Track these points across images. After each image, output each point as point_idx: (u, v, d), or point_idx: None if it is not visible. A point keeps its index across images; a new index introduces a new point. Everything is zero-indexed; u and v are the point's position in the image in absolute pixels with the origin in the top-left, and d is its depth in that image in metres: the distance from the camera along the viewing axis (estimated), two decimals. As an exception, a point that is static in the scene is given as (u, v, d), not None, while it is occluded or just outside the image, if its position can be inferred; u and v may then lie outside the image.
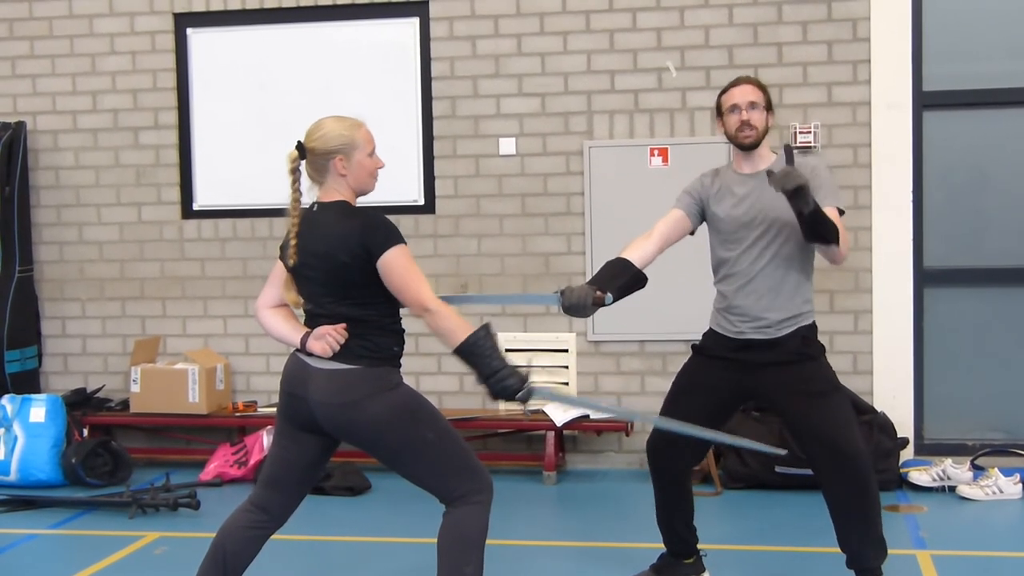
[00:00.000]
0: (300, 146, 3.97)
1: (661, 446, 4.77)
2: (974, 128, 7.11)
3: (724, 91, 4.69)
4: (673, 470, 4.79)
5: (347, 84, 7.41)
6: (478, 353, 3.79)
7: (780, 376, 4.56)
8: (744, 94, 4.60)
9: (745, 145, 4.61)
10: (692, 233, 4.80)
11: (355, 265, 3.84)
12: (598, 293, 4.46)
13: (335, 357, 3.89)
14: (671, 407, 4.77)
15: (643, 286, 4.68)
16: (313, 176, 4.01)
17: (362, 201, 4.14)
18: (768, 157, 4.67)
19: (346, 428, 3.93)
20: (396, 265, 3.84)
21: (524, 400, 3.84)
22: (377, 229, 3.87)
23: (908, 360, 6.97)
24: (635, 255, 4.65)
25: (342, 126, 3.98)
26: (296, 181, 3.96)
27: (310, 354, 3.94)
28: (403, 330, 4.03)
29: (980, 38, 7.04)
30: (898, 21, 6.89)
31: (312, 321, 4.00)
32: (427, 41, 7.38)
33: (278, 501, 4.10)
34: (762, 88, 4.66)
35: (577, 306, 4.43)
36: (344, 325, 3.90)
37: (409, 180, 7.45)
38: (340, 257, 3.85)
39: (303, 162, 3.98)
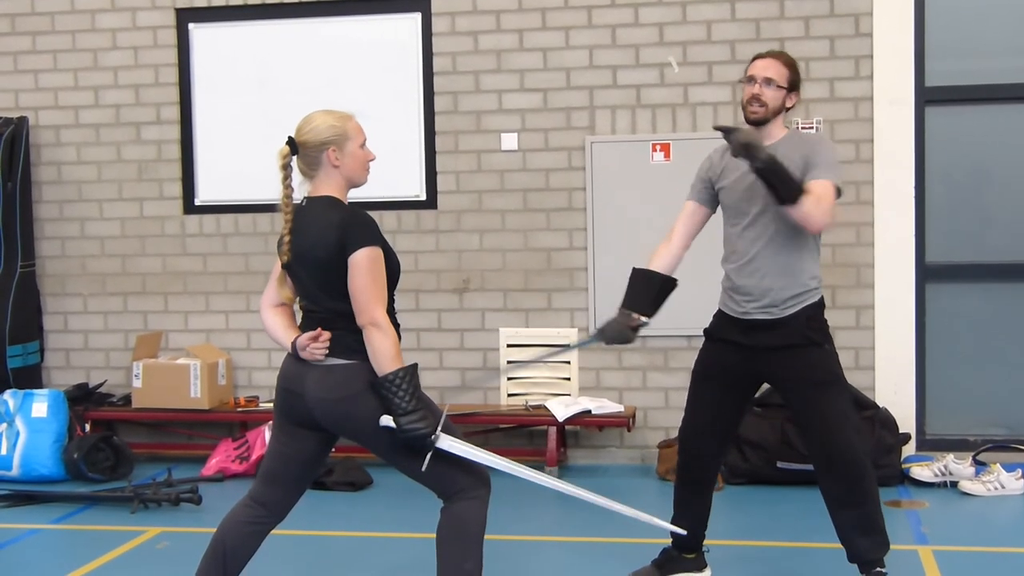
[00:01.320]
0: (291, 141, 3.95)
1: (694, 436, 4.79)
2: (976, 124, 7.11)
3: (752, 60, 4.65)
4: (707, 462, 4.82)
5: (349, 79, 7.41)
6: (399, 388, 3.76)
7: (784, 362, 4.57)
8: (763, 68, 4.56)
9: (751, 120, 4.58)
10: (714, 212, 4.81)
11: (334, 260, 3.83)
12: (633, 318, 4.59)
13: (331, 353, 3.89)
14: (692, 396, 4.81)
15: (675, 287, 4.75)
16: (305, 171, 3.99)
17: (358, 195, 4.12)
18: (778, 132, 4.62)
19: (343, 423, 3.93)
20: (362, 266, 3.81)
21: (429, 448, 3.83)
22: (355, 226, 3.85)
23: (910, 356, 6.97)
24: (659, 263, 4.71)
25: (332, 118, 3.97)
26: (287, 177, 3.94)
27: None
28: (399, 323, 4.02)
29: (982, 34, 7.04)
30: (900, 17, 6.89)
31: (308, 317, 4.00)
32: (429, 36, 7.38)
33: (277, 496, 4.10)
34: (789, 65, 4.59)
35: (618, 339, 4.61)
36: (320, 330, 3.89)
37: (411, 175, 7.45)
38: (320, 252, 3.85)
39: (294, 158, 3.97)
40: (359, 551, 5.55)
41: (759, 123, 4.58)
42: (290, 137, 3.96)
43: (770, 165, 4.28)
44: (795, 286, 4.57)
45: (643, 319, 4.64)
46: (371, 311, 3.79)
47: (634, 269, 4.76)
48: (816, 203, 4.35)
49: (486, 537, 4.00)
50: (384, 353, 3.78)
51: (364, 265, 3.81)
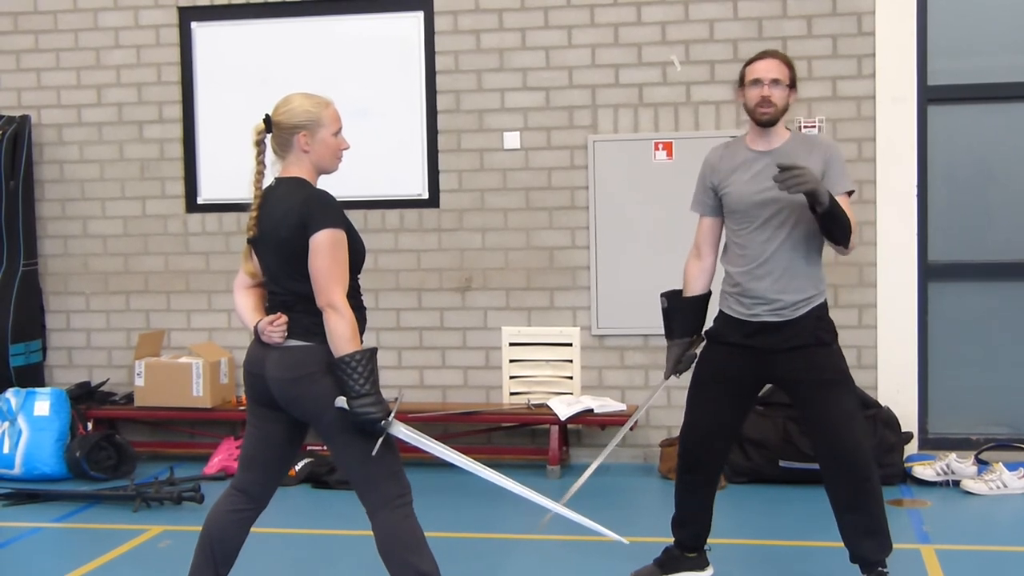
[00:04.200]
0: (267, 119, 3.98)
1: (697, 440, 4.78)
2: (978, 122, 7.11)
3: (750, 62, 4.65)
4: (711, 465, 4.83)
5: (351, 78, 7.41)
6: (355, 370, 3.76)
7: (792, 362, 4.56)
8: (768, 69, 4.56)
9: (762, 121, 4.57)
10: None
11: (296, 240, 3.85)
12: (694, 341, 4.78)
13: (291, 335, 3.92)
14: (694, 399, 4.80)
15: (709, 298, 4.86)
16: (277, 151, 4.01)
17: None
18: (783, 135, 4.64)
19: (294, 402, 3.94)
20: (323, 247, 3.81)
21: (380, 433, 3.82)
22: (318, 206, 3.86)
23: (912, 354, 6.97)
24: (699, 284, 4.82)
25: (309, 103, 3.98)
26: (260, 153, 3.99)
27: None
28: (364, 307, 4.03)
29: (985, 33, 7.04)
30: (903, 15, 6.89)
31: (271, 299, 4.03)
32: (431, 35, 7.38)
33: (255, 482, 4.13)
34: (788, 64, 4.63)
35: (690, 366, 4.80)
36: (279, 315, 3.93)
37: (413, 174, 7.45)
38: (283, 232, 3.87)
39: (268, 135, 3.99)
40: (360, 549, 5.54)
41: (769, 124, 4.58)
42: (266, 115, 3.98)
43: (832, 209, 4.32)
44: (807, 288, 4.57)
45: (700, 342, 4.79)
46: (329, 293, 3.80)
47: (671, 297, 4.85)
48: (856, 233, 4.51)
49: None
50: (340, 335, 3.79)
51: (325, 246, 3.81)
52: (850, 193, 4.57)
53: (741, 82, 4.66)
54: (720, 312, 4.76)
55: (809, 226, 4.54)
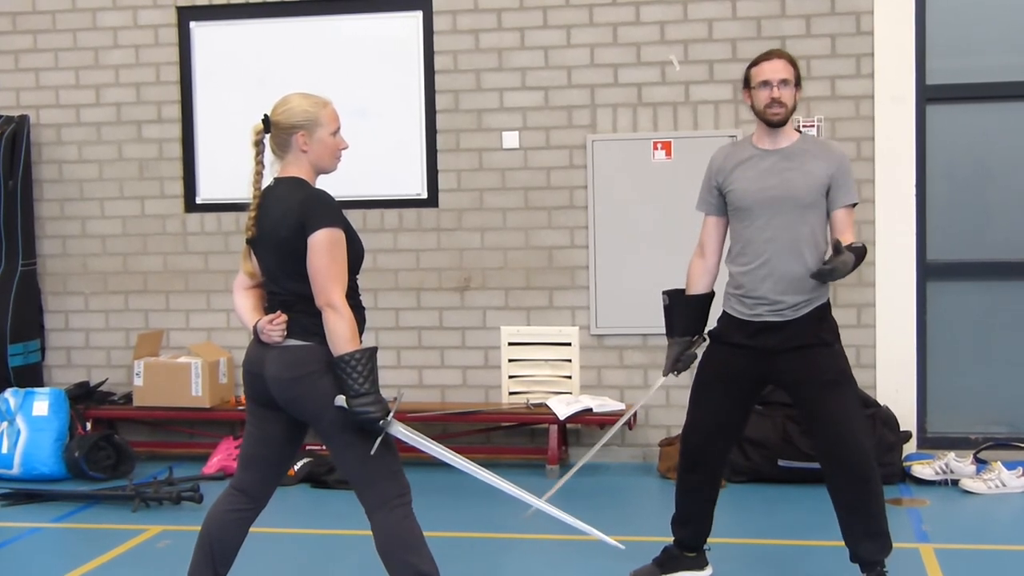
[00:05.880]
0: (265, 119, 3.99)
1: (699, 440, 4.79)
2: (977, 122, 7.11)
3: (755, 63, 4.64)
4: (713, 464, 4.83)
5: (350, 78, 7.40)
6: (355, 369, 3.77)
7: (794, 362, 4.57)
8: (776, 70, 4.56)
9: (773, 122, 4.57)
10: None
11: (295, 240, 3.85)
12: (695, 340, 4.80)
13: (290, 334, 3.92)
14: (696, 399, 4.81)
15: (712, 299, 4.86)
16: (275, 151, 4.02)
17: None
18: (791, 135, 4.65)
19: (294, 402, 3.94)
20: (321, 247, 3.82)
21: (379, 432, 3.82)
22: (316, 205, 3.87)
23: (911, 354, 6.98)
24: (703, 283, 4.82)
25: (307, 102, 3.98)
26: (259, 154, 3.99)
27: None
28: (362, 307, 4.03)
29: (983, 32, 7.04)
30: (901, 15, 6.89)
31: (271, 299, 4.04)
32: (430, 35, 7.37)
33: (255, 481, 4.14)
34: (793, 63, 4.63)
35: (691, 365, 4.82)
36: (279, 314, 3.94)
37: (412, 174, 7.44)
38: (282, 231, 3.88)
39: (267, 135, 4.00)
40: (359, 549, 5.54)
41: (780, 124, 4.58)
42: (265, 115, 3.99)
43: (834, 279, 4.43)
44: (808, 288, 4.56)
45: (701, 341, 4.82)
46: (328, 293, 3.81)
47: (672, 295, 4.86)
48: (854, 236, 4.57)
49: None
50: (339, 335, 3.79)
51: (323, 246, 3.82)
52: (853, 205, 4.61)
53: (747, 84, 4.65)
54: (723, 312, 4.76)
55: (812, 227, 4.55)
